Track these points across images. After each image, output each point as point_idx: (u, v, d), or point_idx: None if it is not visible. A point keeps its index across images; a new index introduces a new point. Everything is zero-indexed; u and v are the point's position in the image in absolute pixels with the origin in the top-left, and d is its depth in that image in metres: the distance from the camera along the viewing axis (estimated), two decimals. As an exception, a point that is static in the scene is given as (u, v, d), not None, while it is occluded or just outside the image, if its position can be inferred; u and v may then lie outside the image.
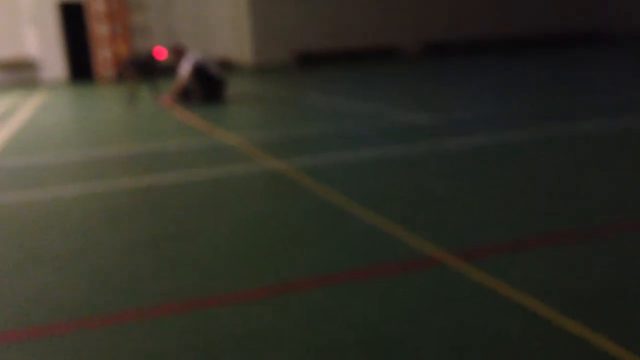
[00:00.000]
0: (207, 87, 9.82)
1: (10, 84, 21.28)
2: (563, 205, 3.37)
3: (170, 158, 5.44)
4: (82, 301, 2.49)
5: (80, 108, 11.38)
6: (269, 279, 2.60)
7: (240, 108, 9.16)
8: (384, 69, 16.57)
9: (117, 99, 12.50)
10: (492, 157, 4.64)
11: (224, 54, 23.38)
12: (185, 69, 9.70)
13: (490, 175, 4.10)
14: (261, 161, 4.97)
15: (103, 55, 21.54)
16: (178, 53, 9.81)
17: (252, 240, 3.10)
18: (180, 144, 6.09)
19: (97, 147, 6.36)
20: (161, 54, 10.13)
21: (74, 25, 21.92)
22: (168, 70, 11.14)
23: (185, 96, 9.88)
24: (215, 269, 2.75)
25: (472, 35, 24.76)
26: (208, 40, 23.26)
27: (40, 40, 21.62)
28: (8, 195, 4.41)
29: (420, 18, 24.14)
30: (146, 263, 2.88)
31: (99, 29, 21.34)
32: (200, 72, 9.76)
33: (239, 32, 23.29)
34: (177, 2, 22.65)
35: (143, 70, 10.08)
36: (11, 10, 21.36)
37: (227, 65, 23.10)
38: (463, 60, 18.03)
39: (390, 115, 7.17)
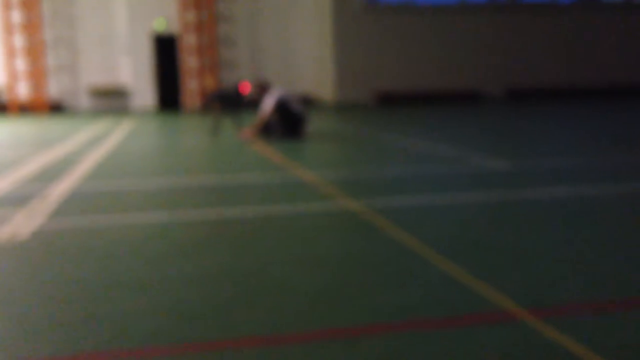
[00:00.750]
0: (288, 122, 9.98)
1: (105, 110, 22.32)
2: (649, 266, 3.21)
3: (248, 191, 5.54)
4: (165, 328, 2.54)
5: (165, 136, 11.79)
6: (339, 321, 2.58)
7: (318, 145, 9.25)
8: (464, 112, 16.42)
9: (201, 128, 12.90)
10: (573, 211, 4.48)
11: (307, 90, 23.80)
12: (268, 104, 9.91)
13: (571, 231, 3.96)
14: (337, 200, 4.99)
15: (191, 87, 22.35)
16: (263, 88, 10.05)
17: (324, 280, 3.10)
18: (258, 178, 6.20)
19: (179, 175, 6.56)
20: (246, 88, 10.39)
21: (165, 57, 22.89)
22: (252, 104, 11.40)
23: (266, 130, 10.07)
24: (288, 306, 2.75)
25: (552, 83, 24.24)
26: (292, 77, 23.75)
27: (134, 70, 22.65)
28: (92, 218, 4.59)
29: (502, 64, 23.86)
30: (223, 295, 2.91)
31: (188, 62, 22.18)
32: (283, 108, 9.94)
33: (323, 70, 23.67)
34: (265, 39, 23.31)
35: (228, 103, 10.36)
36: (108, 41, 22.54)
37: (309, 102, 23.48)
38: (544, 107, 17.63)
39: (469, 159, 7.07)
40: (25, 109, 21.79)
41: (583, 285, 2.94)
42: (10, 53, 20.99)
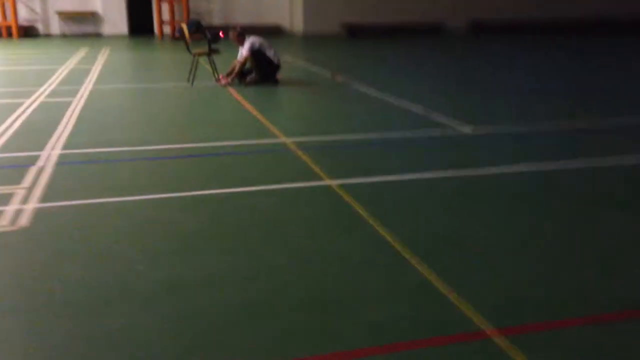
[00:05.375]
0: (264, 68, 9.83)
1: (76, 35, 21.33)
2: (627, 277, 3.33)
3: (231, 165, 5.50)
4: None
5: (145, 78, 11.46)
6: (330, 344, 2.64)
7: (291, 94, 9.19)
8: (431, 45, 16.23)
9: (177, 63, 12.54)
10: (544, 191, 4.57)
11: (277, 22, 23.19)
12: (245, 49, 9.71)
13: (541, 222, 4.04)
14: (312, 176, 4.97)
15: (162, 12, 21.52)
16: (241, 36, 9.82)
17: (306, 287, 3.14)
18: (239, 142, 6.14)
19: (169, 138, 6.45)
20: (223, 34, 10.13)
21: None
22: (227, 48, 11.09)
23: (242, 76, 9.90)
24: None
25: (515, 17, 24.01)
26: (262, 8, 23.04)
27: (105, -4, 21.62)
28: (86, 200, 4.52)
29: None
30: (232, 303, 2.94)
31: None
32: (259, 55, 9.75)
33: (293, 2, 23.00)
34: (235, -33, 22.40)
35: (208, 44, 10.12)
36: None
37: (279, 33, 22.91)
38: (505, 39, 17.53)
39: (432, 121, 7.06)
40: (-4, 34, 20.77)
41: (552, 294, 3.04)
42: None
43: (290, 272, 3.27)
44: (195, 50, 10.17)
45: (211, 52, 10.23)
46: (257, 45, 9.80)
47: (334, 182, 4.70)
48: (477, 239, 3.69)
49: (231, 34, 9.89)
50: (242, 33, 9.91)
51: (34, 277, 3.21)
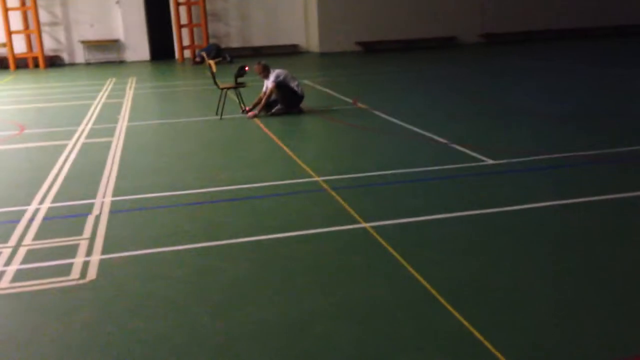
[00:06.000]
0: (289, 99, 10.27)
1: (100, 62, 21.95)
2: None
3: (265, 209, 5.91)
4: None
5: (173, 113, 11.92)
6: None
7: (316, 126, 9.61)
8: (446, 58, 16.58)
9: (201, 92, 13.02)
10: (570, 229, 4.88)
11: (294, 41, 23.69)
12: (270, 81, 10.15)
13: (568, 260, 4.36)
14: (348, 219, 5.34)
15: (183, 38, 22.10)
16: (265, 69, 10.25)
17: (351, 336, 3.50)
18: (273, 178, 6.54)
19: (206, 180, 6.88)
20: (248, 68, 10.59)
21: (156, 9, 22.50)
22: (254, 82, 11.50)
23: (269, 107, 10.33)
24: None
25: (526, 27, 24.25)
26: (278, 28, 23.55)
27: (126, 22, 22.25)
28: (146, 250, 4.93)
29: (477, 10, 23.79)
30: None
31: (179, 13, 21.84)
32: (283, 86, 10.20)
33: (309, 21, 23.48)
34: (252, -9, 22.99)
35: (234, 78, 10.61)
36: (101, -5, 22.02)
37: (297, 53, 23.39)
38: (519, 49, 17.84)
39: (455, 151, 7.40)
40: (22, 65, 21.48)
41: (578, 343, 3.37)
42: (5, 12, 20.43)
43: (337, 321, 3.63)
44: (223, 85, 10.63)
45: (238, 86, 10.67)
46: (281, 77, 10.23)
47: (369, 225, 5.06)
48: (506, 282, 4.02)
49: (256, 68, 10.32)
50: (266, 66, 10.34)
51: (109, 333, 3.59)
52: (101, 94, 14.03)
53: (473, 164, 6.78)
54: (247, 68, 10.60)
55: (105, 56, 22.61)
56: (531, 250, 4.52)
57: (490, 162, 6.81)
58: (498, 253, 4.48)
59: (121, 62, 22.43)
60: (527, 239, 4.72)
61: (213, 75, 10.77)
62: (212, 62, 10.67)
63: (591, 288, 3.89)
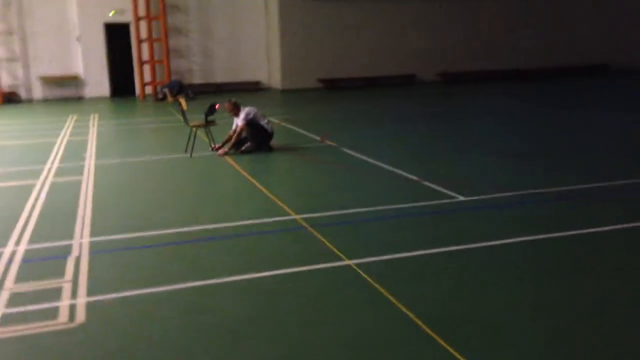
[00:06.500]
0: (259, 137, 10.37)
1: (58, 99, 21.64)
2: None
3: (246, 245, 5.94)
4: None
5: (139, 149, 11.86)
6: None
7: (287, 164, 9.73)
8: (407, 96, 17.02)
9: (165, 128, 13.00)
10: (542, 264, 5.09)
11: (256, 77, 23.92)
12: (241, 119, 10.24)
13: (544, 293, 4.55)
14: (332, 257, 5.45)
15: (144, 75, 22.05)
16: (235, 107, 10.35)
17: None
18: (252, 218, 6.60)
19: (185, 218, 6.88)
20: (218, 106, 10.68)
21: (117, 46, 22.46)
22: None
23: (238, 144, 10.40)
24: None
25: (484, 67, 25.12)
26: (241, 65, 23.78)
27: (87, 59, 22.10)
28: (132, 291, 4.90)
29: (437, 51, 24.55)
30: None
31: (141, 50, 21.84)
32: (254, 124, 10.31)
33: (271, 58, 23.80)
34: (215, 28, 23.19)
35: (205, 117, 10.69)
36: (60, 30, 21.87)
37: (259, 89, 23.61)
38: (474, 88, 18.48)
39: (428, 188, 7.63)
40: (-21, 101, 21.03)
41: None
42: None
43: (328, 355, 3.71)
44: (193, 123, 10.68)
45: (208, 124, 10.74)
46: (251, 115, 10.35)
47: (352, 262, 5.17)
48: (491, 314, 4.18)
49: (226, 105, 10.42)
50: (237, 104, 10.46)
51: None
52: (64, 131, 13.86)
53: (446, 201, 7.00)
54: (217, 106, 10.69)
55: (64, 92, 22.32)
56: (510, 283, 4.70)
57: (462, 198, 7.05)
58: (480, 286, 4.64)
59: (80, 99, 22.19)
60: (506, 273, 4.90)
61: (183, 113, 10.82)
62: (182, 100, 10.73)
63: (571, 318, 4.07)
